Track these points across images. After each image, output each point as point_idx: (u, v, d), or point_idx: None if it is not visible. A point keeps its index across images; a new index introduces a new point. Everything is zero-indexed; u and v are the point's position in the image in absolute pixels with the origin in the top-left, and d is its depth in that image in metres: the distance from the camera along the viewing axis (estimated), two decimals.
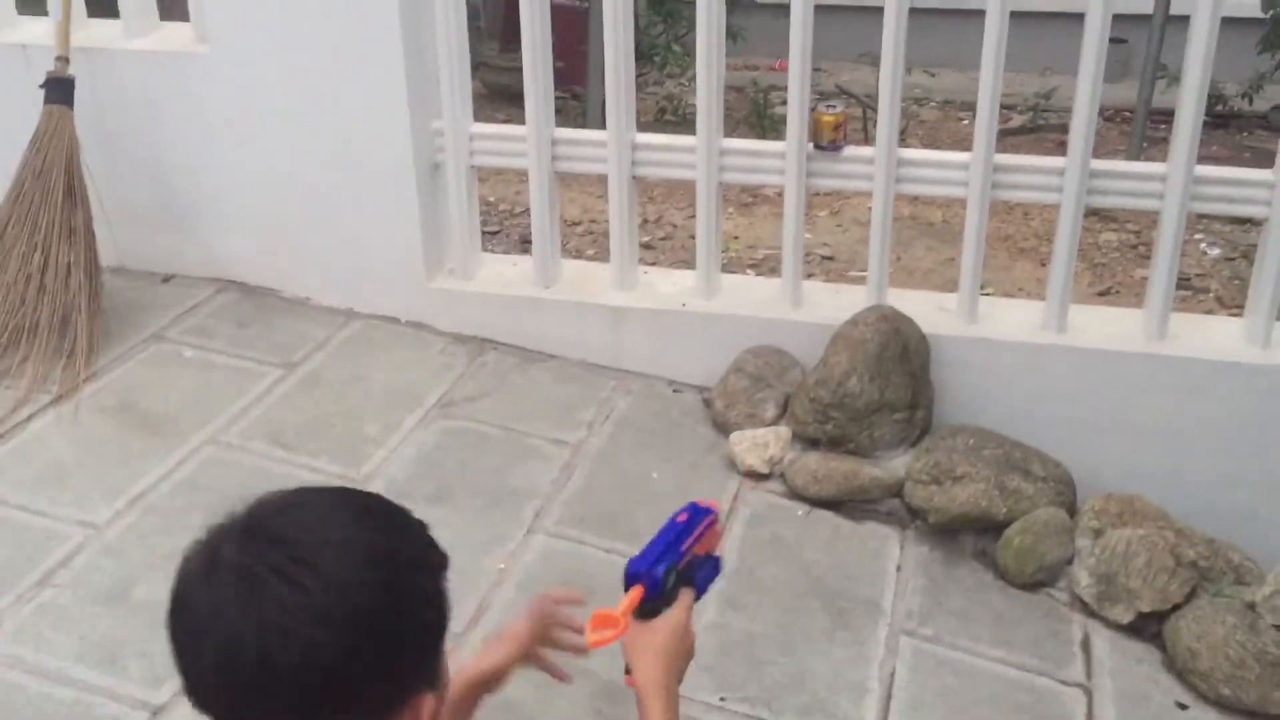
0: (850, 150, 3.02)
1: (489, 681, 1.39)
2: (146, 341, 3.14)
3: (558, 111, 3.19)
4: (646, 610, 1.36)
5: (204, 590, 0.95)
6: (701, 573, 1.45)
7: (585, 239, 5.06)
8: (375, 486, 2.68)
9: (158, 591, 2.28)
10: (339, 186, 3.25)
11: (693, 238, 3.22)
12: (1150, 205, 2.86)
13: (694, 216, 3.15)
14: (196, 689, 0.97)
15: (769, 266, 4.74)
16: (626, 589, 1.36)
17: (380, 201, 3.24)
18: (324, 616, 0.92)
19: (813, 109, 2.99)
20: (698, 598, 1.43)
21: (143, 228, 3.43)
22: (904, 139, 7.30)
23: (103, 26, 3.42)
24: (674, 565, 1.38)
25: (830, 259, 5.55)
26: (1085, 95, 2.77)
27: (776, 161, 3.05)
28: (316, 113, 3.18)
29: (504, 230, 4.97)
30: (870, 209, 3.02)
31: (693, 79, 3.06)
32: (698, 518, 1.45)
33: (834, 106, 3.02)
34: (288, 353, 3.14)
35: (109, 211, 3.25)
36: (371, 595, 0.95)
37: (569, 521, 2.66)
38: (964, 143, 2.90)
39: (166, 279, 3.44)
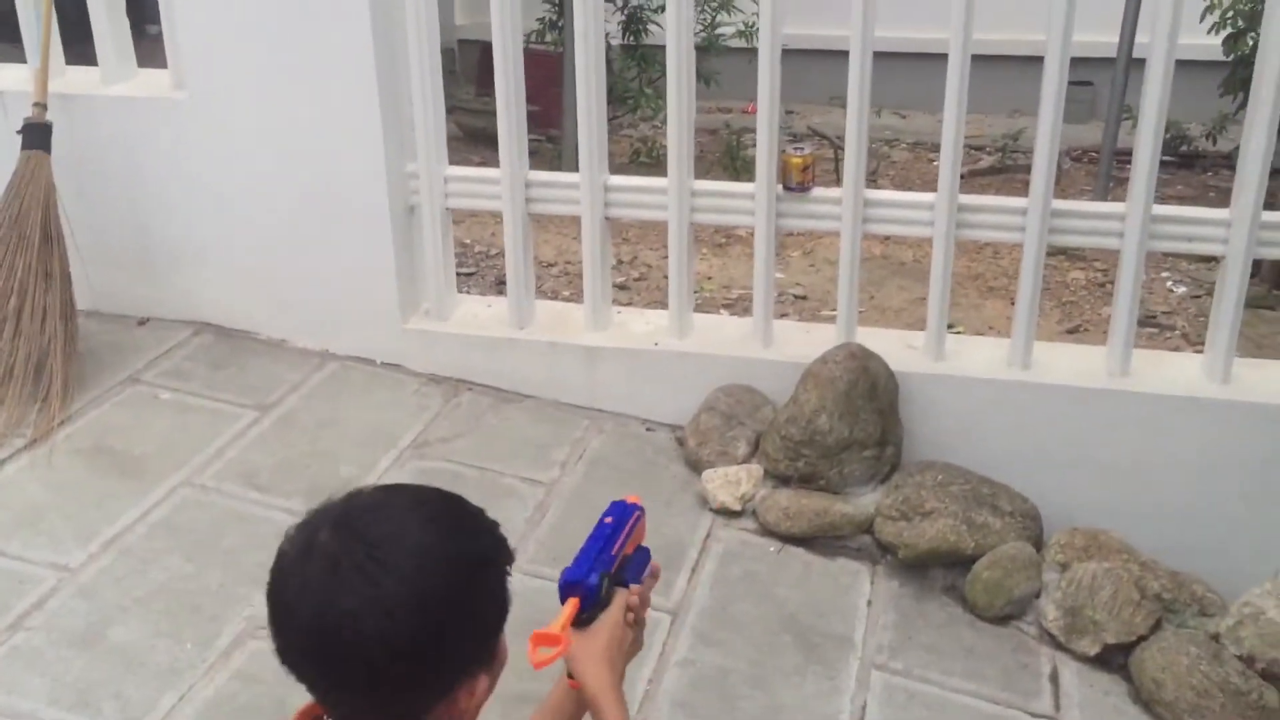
0: (818, 191, 3.08)
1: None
2: (122, 384, 3.16)
3: (533, 154, 3.24)
4: (584, 619, 1.40)
5: (298, 568, 1.11)
6: (632, 569, 1.48)
7: (561, 280, 5.10)
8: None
9: (132, 633, 2.31)
10: (315, 229, 3.28)
11: (666, 278, 3.27)
12: (1110, 244, 2.93)
13: (667, 258, 3.20)
14: (285, 652, 1.13)
15: (743, 306, 4.79)
16: (562, 601, 1.39)
17: (356, 244, 3.27)
18: (391, 610, 1.08)
19: (782, 151, 3.05)
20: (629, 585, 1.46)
21: (119, 271, 3.46)
22: (875, 179, 7.45)
23: (80, 73, 3.46)
24: (606, 572, 1.42)
25: (803, 298, 5.62)
26: (1045, 136, 2.84)
27: (746, 202, 3.10)
28: (293, 157, 3.22)
29: (479, 271, 5.01)
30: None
31: (665, 121, 3.12)
32: (625, 516, 1.49)
33: (802, 148, 3.08)
34: (263, 394, 3.16)
35: (85, 256, 3.28)
36: (436, 593, 1.10)
37: (542, 559, 2.68)
38: (934, 183, 2.96)
39: (142, 322, 3.46)
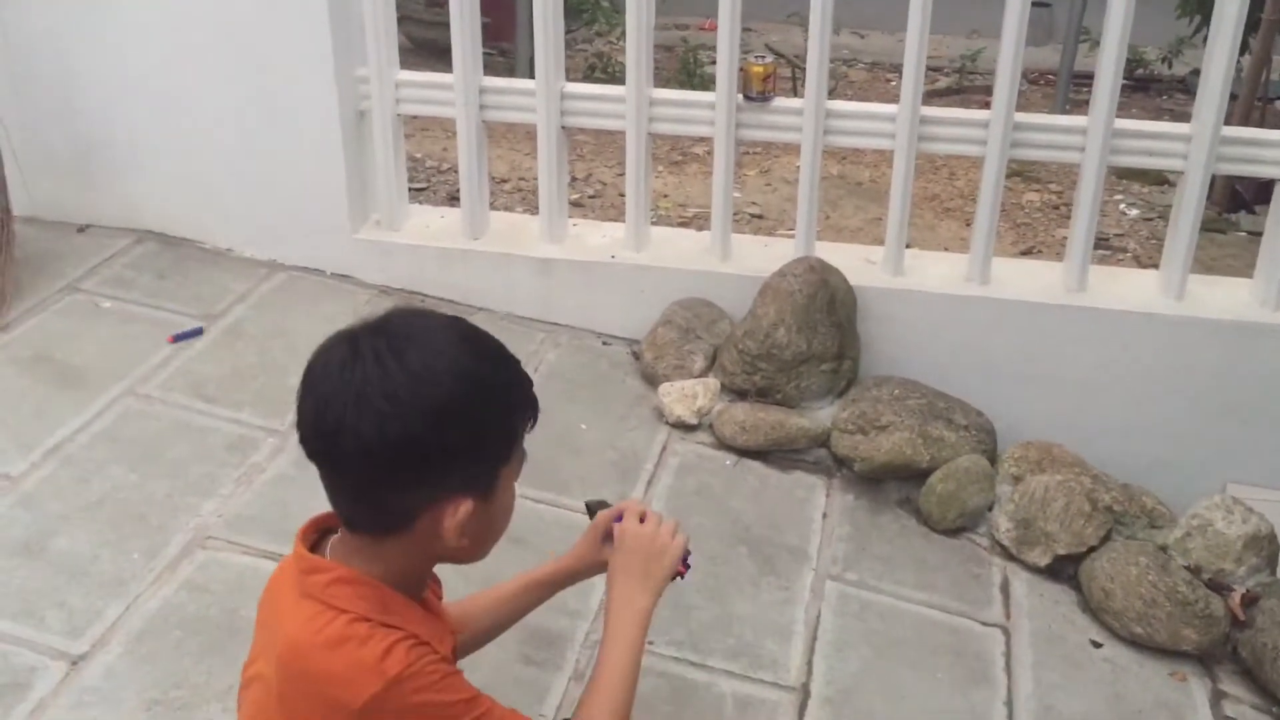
0: (779, 101, 3.02)
1: (548, 582, 1.61)
2: (61, 292, 3.06)
3: (485, 67, 3.15)
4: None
5: (322, 359, 1.18)
6: None
7: (514, 196, 5.02)
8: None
9: (75, 543, 2.26)
10: (261, 134, 3.18)
11: (622, 195, 3.21)
12: (1072, 158, 2.91)
13: (623, 174, 3.14)
14: (301, 435, 1.20)
15: (699, 224, 4.74)
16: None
17: (304, 150, 3.17)
18: (393, 396, 1.12)
19: (743, 59, 2.99)
20: None
21: (58, 176, 3.33)
22: (832, 98, 7.36)
23: None
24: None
25: (759, 217, 5.57)
26: (1009, 49, 2.80)
27: (706, 112, 3.04)
28: (237, 57, 3.10)
29: (431, 186, 4.91)
30: (799, 167, 3.03)
31: (622, 37, 3.03)
32: None
33: (763, 57, 3.02)
34: (209, 304, 3.07)
35: (21, 160, 3.15)
36: (441, 394, 1.14)
37: None
38: (892, 103, 2.92)
39: (82, 229, 3.35)
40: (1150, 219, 5.80)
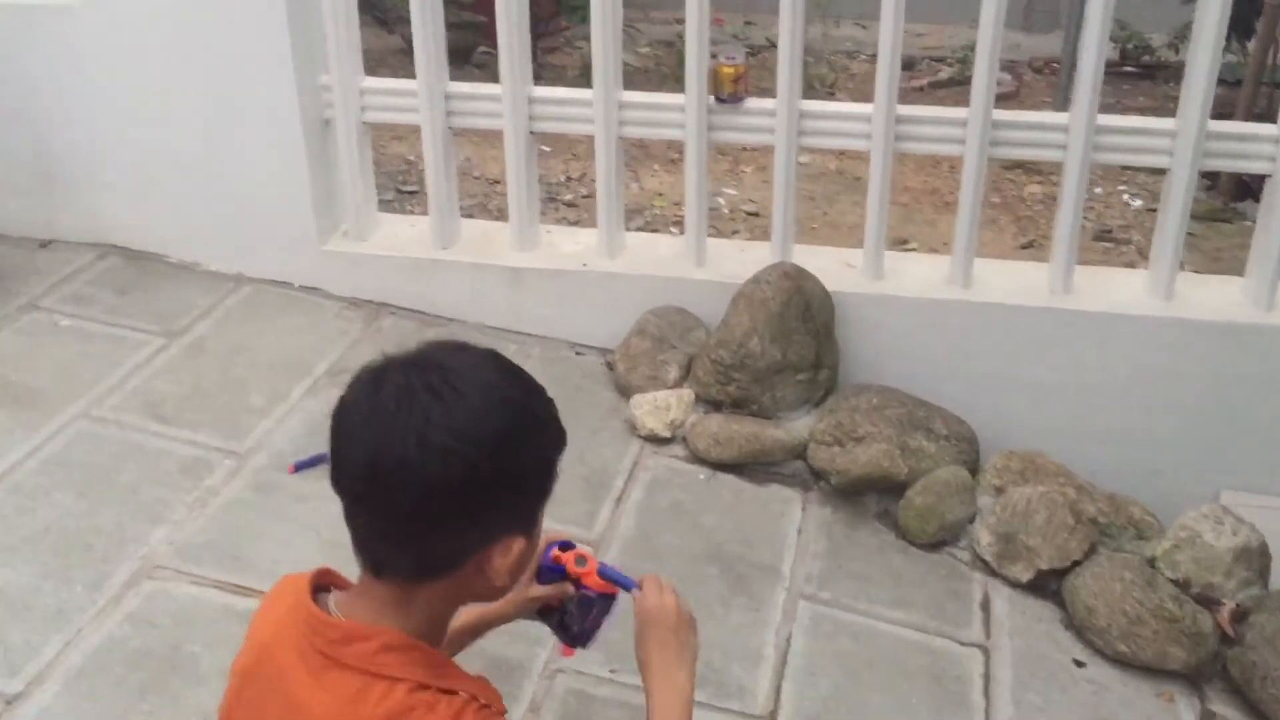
0: (752, 103, 2.93)
1: (492, 619, 1.47)
2: (20, 310, 3.00)
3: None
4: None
5: (366, 399, 1.11)
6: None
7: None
8: (258, 460, 2.58)
9: (17, 575, 2.19)
10: (224, 146, 3.11)
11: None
12: (1054, 156, 2.81)
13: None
14: (343, 482, 1.12)
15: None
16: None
17: (268, 161, 3.10)
18: (459, 433, 1.07)
19: (712, 59, 2.90)
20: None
21: (19, 191, 3.27)
22: (833, 92, 7.26)
23: None
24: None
25: (755, 215, 5.48)
26: (986, 43, 2.70)
27: (676, 115, 2.95)
28: (196, 68, 3.03)
29: (424, 189, 4.84)
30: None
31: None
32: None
33: (734, 58, 2.93)
34: (170, 320, 3.01)
35: None
36: (501, 429, 1.10)
37: None
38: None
39: (44, 244, 3.29)
40: (1155, 210, 5.66)
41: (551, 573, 1.39)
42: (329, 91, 3.05)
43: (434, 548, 1.12)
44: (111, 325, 2.97)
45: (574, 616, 1.41)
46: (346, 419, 1.12)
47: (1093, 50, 2.65)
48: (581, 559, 1.38)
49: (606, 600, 1.40)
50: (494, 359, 1.17)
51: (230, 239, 3.22)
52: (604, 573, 1.38)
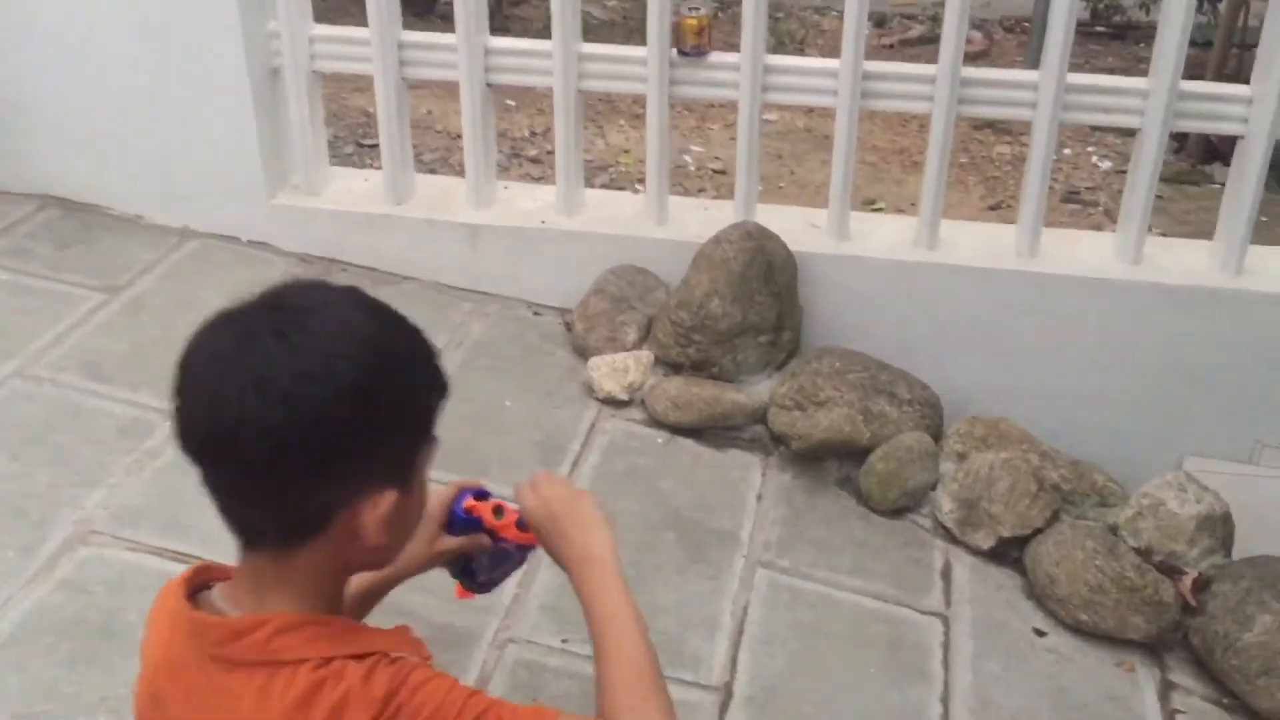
0: (715, 56, 2.84)
1: (397, 575, 1.32)
2: None
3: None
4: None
5: (206, 342, 1.01)
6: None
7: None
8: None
9: None
10: (168, 94, 2.99)
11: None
12: (1023, 115, 2.74)
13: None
14: (184, 437, 1.01)
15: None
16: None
17: (213, 110, 2.99)
18: (305, 375, 0.96)
19: (675, 12, 2.81)
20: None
21: None
22: (803, 48, 7.15)
23: None
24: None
25: (722, 173, 5.40)
26: (956, 1, 2.62)
27: (638, 68, 2.86)
28: (138, 10, 2.91)
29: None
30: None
31: None
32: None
33: (697, 9, 2.84)
34: (112, 275, 2.90)
35: None
36: (355, 371, 0.98)
37: None
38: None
39: None
40: (1123, 171, 5.64)
41: (465, 524, 1.29)
42: (277, 39, 2.94)
43: (293, 507, 1.02)
44: (50, 280, 2.86)
45: (484, 567, 1.32)
46: (185, 368, 1.01)
47: (1063, 8, 2.58)
48: (499, 509, 1.28)
49: (524, 550, 1.31)
50: (353, 294, 1.07)
51: (175, 191, 3.11)
52: (523, 524, 1.26)
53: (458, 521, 1.28)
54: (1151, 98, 2.64)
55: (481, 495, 1.29)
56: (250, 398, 0.95)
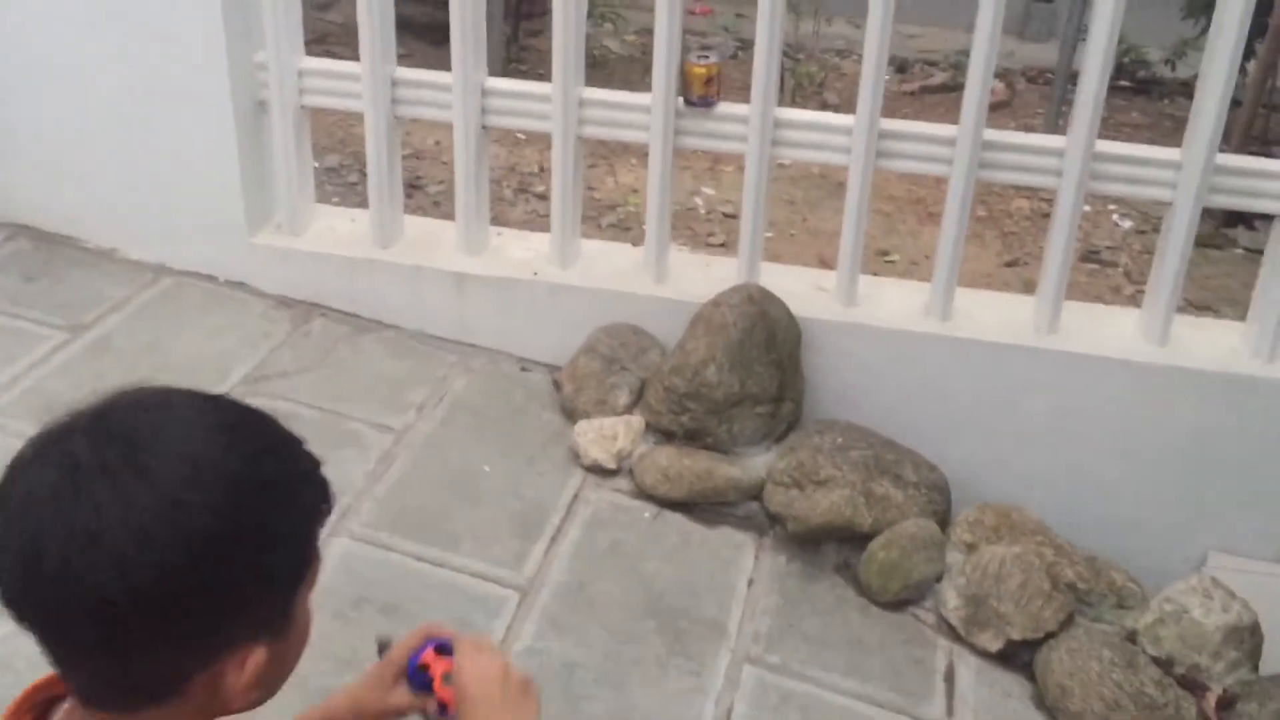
0: (724, 107, 2.69)
1: None
2: None
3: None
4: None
5: (24, 475, 0.83)
6: None
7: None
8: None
9: None
10: (147, 124, 2.85)
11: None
12: (1047, 183, 2.58)
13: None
14: (5, 592, 0.84)
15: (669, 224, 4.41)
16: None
17: (195, 142, 2.85)
18: (142, 531, 0.80)
19: (684, 59, 2.66)
20: None
21: None
22: (821, 91, 7.01)
23: None
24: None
25: (733, 216, 5.24)
26: (980, 56, 2.46)
27: (641, 116, 2.71)
28: (122, 35, 2.78)
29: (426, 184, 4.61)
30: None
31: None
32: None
33: (707, 57, 2.69)
34: (78, 313, 2.75)
35: None
36: (207, 520, 0.82)
37: (380, 523, 2.33)
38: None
39: None
40: (1144, 231, 5.48)
41: (418, 682, 1.14)
42: (264, 70, 2.80)
43: (137, 674, 0.85)
44: (11, 316, 2.71)
45: None
46: (3, 501, 0.84)
47: (1094, 78, 2.42)
48: (449, 675, 1.12)
49: None
50: (203, 410, 0.89)
51: (152, 225, 2.96)
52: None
53: (413, 675, 1.14)
54: (1184, 170, 2.48)
55: (443, 648, 1.14)
56: (74, 556, 0.79)
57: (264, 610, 0.89)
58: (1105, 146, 2.51)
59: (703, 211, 5.37)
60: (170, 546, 0.80)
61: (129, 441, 0.83)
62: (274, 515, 0.87)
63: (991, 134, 2.54)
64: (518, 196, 4.92)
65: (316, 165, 4.67)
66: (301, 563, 0.91)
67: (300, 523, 0.91)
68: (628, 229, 4.81)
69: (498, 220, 4.51)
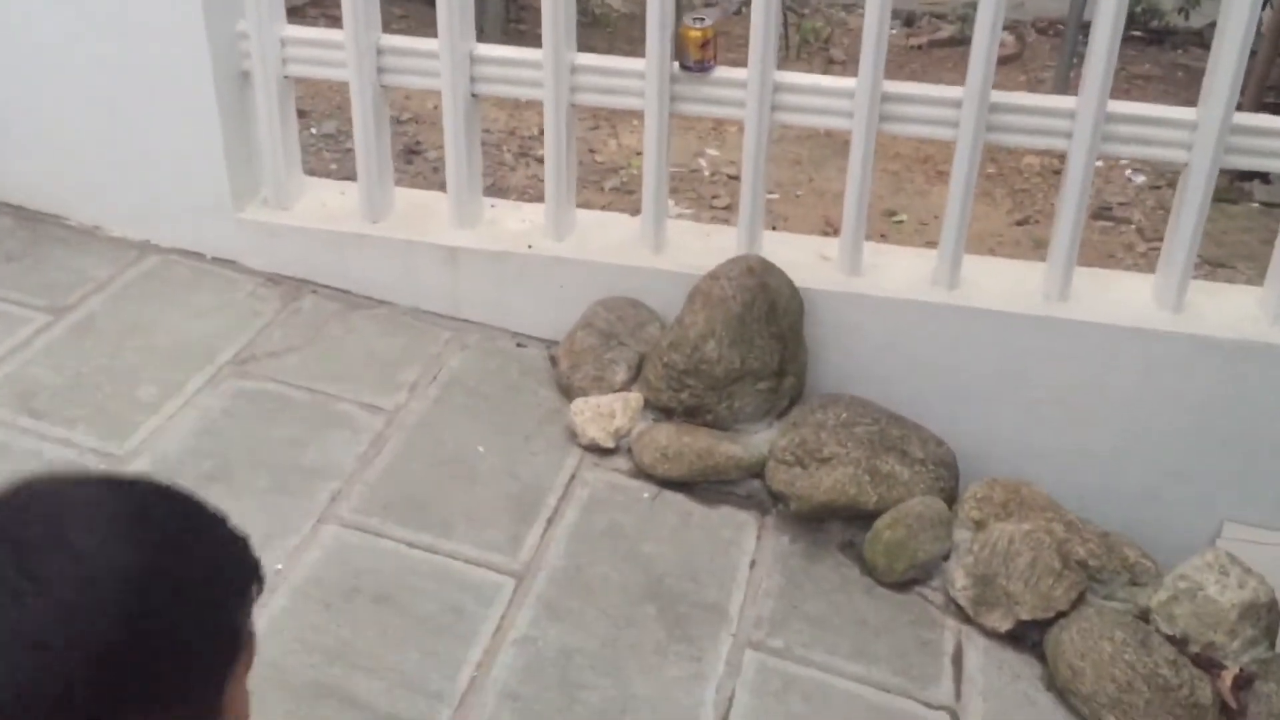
0: (720, 72, 2.59)
1: None
2: None
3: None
4: None
5: None
6: None
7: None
8: (140, 463, 2.27)
9: None
10: (129, 97, 2.77)
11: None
12: (1057, 145, 2.49)
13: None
14: None
15: (672, 186, 4.32)
16: None
17: (179, 116, 2.76)
18: (41, 644, 0.75)
19: (679, 22, 2.56)
20: None
21: None
22: (827, 47, 6.87)
23: None
24: None
25: (738, 178, 5.13)
26: (988, 12, 2.36)
27: (636, 82, 2.61)
28: (99, 9, 2.69)
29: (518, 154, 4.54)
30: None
31: None
32: None
33: (702, 20, 2.59)
34: (60, 294, 2.68)
35: None
36: (103, 626, 0.76)
37: (370, 509, 2.27)
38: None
39: None
40: (1158, 187, 5.36)
41: None
42: (246, 40, 2.71)
43: None
44: None
45: None
46: None
47: (1105, 35, 2.32)
48: None
49: None
50: (102, 505, 0.82)
51: (136, 202, 2.88)
52: None
53: None
54: (1200, 130, 2.38)
55: None
56: None
57: (187, 708, 0.83)
58: (1118, 107, 2.41)
59: (707, 174, 5.27)
60: (68, 657, 0.74)
61: (18, 544, 0.77)
62: (186, 611, 0.82)
63: (999, 96, 2.44)
64: (518, 161, 4.83)
65: (314, 131, 4.59)
66: (227, 651, 0.85)
67: (222, 612, 0.85)
68: (631, 192, 4.72)
69: (498, 185, 4.44)
